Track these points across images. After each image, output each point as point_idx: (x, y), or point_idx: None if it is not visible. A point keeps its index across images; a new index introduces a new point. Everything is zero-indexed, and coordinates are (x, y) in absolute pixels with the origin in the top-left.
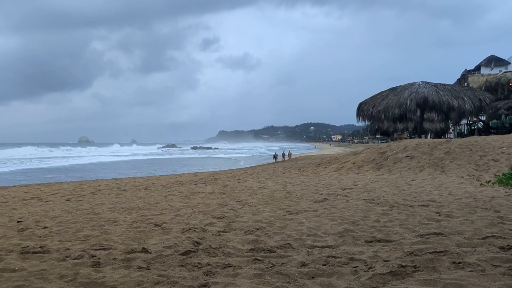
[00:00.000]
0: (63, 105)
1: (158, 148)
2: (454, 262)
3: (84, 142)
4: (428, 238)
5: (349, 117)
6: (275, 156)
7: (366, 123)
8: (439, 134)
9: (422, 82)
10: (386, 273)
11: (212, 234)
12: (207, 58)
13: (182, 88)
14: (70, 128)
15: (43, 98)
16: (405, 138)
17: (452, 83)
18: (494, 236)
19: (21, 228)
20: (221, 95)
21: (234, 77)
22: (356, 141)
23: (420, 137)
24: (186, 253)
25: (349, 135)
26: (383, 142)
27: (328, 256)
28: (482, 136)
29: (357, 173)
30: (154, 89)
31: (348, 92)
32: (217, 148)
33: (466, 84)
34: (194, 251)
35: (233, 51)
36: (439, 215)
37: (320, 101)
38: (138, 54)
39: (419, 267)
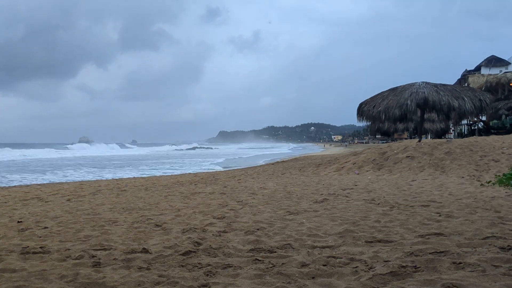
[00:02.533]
0: (44, 98)
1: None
2: (454, 263)
3: (85, 142)
4: (428, 238)
5: (349, 117)
6: None
7: (367, 123)
8: (440, 134)
9: (423, 82)
10: (386, 273)
11: (213, 235)
12: (214, 35)
13: (183, 78)
14: (61, 126)
15: (17, 88)
16: (406, 139)
17: (452, 84)
18: (495, 236)
19: (22, 229)
20: (224, 90)
21: (241, 68)
22: (356, 141)
23: (420, 137)
24: (186, 253)
25: (349, 135)
26: (383, 143)
27: (329, 257)
28: (483, 137)
29: (358, 174)
30: (150, 78)
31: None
32: (217, 148)
33: (466, 84)
34: (194, 252)
35: (244, 30)
36: (440, 216)
37: (324, 99)
38: (118, 27)
39: (419, 267)
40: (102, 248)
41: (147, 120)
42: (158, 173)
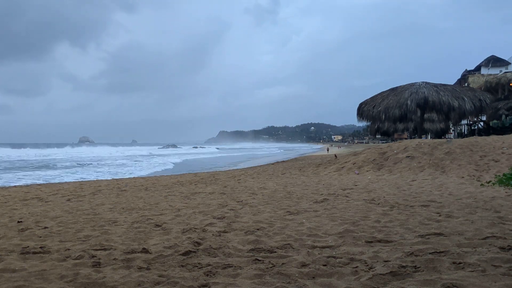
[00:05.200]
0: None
1: (159, 148)
2: (454, 263)
3: (84, 142)
4: (428, 238)
5: (349, 118)
6: None
7: (367, 123)
8: (440, 134)
9: (423, 82)
10: (386, 273)
11: (213, 235)
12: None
13: (187, 68)
14: (45, 124)
15: None
16: (406, 139)
17: (452, 84)
18: (495, 236)
19: (22, 229)
20: (229, 86)
21: (246, 63)
22: (356, 141)
23: (420, 137)
24: (186, 253)
25: (349, 135)
26: (383, 143)
27: (329, 257)
28: (483, 137)
29: (358, 174)
30: (145, 62)
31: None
32: (217, 148)
33: (466, 84)
34: (194, 252)
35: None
36: (440, 216)
37: (327, 97)
38: None
39: (419, 267)
40: (102, 248)
41: (145, 118)
42: None
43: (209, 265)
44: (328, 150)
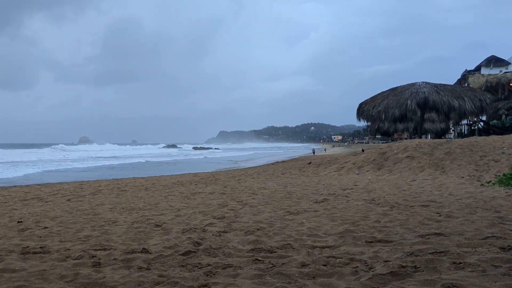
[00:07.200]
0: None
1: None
2: (454, 263)
3: (84, 141)
4: (428, 238)
5: (349, 117)
6: None
7: (367, 123)
8: (440, 134)
9: (423, 82)
10: (386, 273)
11: (213, 235)
12: None
13: (189, 57)
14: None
15: None
16: (406, 139)
17: (452, 84)
18: (495, 236)
19: (22, 229)
20: (230, 83)
21: (250, 56)
22: (356, 141)
23: (420, 137)
24: (186, 253)
25: (349, 135)
26: (383, 143)
27: (329, 257)
28: (483, 137)
29: (358, 174)
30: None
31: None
32: (217, 148)
33: (466, 84)
34: (194, 252)
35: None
36: (440, 216)
37: (329, 97)
38: None
39: (419, 267)
40: (102, 248)
41: (144, 117)
42: None
43: (209, 265)
44: (313, 152)
